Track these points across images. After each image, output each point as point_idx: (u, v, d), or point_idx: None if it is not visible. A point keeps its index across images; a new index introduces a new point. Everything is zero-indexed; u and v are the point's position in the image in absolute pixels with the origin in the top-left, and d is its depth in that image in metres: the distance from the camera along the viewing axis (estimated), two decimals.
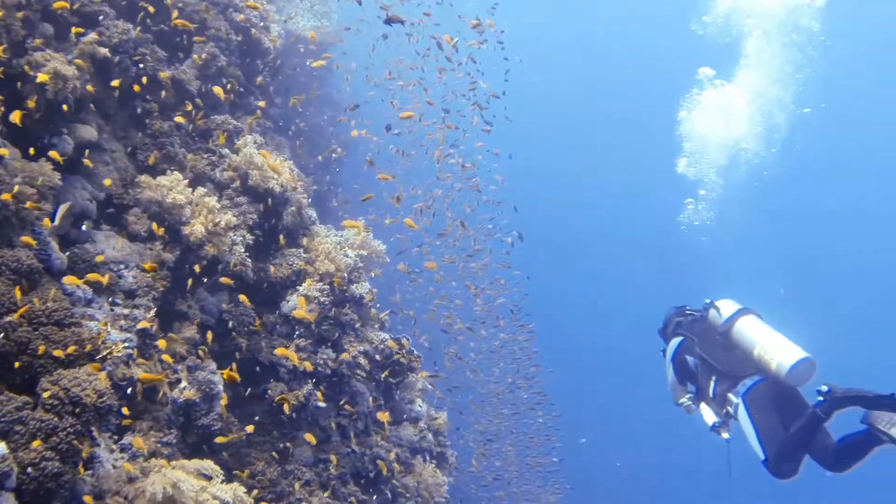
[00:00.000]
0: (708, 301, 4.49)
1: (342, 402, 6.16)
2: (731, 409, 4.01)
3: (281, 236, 5.91)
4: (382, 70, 8.86)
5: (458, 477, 9.17)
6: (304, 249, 6.05)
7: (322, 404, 5.74)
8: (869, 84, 26.67)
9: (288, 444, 5.65)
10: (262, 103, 7.14)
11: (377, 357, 6.54)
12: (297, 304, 5.73)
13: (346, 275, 6.15)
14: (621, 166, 30.78)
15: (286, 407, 5.36)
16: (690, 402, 4.53)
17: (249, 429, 5.20)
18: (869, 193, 28.64)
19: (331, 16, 14.68)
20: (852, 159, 28.19)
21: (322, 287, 5.82)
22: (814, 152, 19.70)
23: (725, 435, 4.14)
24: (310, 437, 5.47)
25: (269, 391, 5.60)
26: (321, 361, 5.77)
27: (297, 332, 5.79)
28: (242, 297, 5.35)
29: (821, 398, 3.48)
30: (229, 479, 4.62)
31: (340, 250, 6.20)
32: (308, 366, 5.54)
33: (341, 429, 6.22)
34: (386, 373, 6.82)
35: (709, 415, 4.24)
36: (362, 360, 6.07)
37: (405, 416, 7.56)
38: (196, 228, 5.06)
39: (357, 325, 6.31)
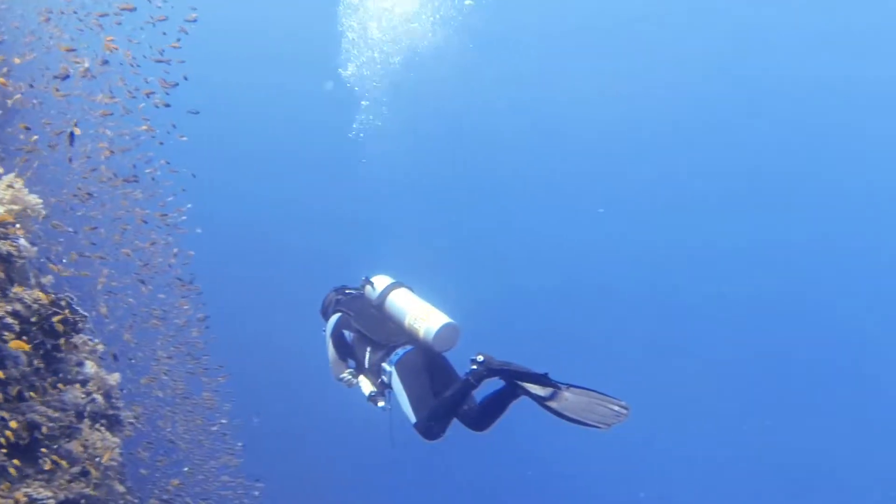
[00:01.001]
0: (364, 278, 4.82)
1: None
2: (385, 378, 4.29)
3: None
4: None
5: (134, 440, 8.99)
6: None
7: None
8: None
9: None
10: None
11: (32, 317, 6.18)
12: None
13: None
14: (296, 78, 29.95)
15: None
16: (351, 377, 4.82)
17: None
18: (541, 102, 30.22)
19: None
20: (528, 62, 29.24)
21: None
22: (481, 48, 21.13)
23: (382, 403, 4.44)
24: None
25: None
26: None
27: None
28: None
29: (474, 367, 3.76)
30: None
31: None
32: None
33: None
34: (44, 333, 6.48)
35: (366, 385, 4.53)
36: (10, 321, 5.70)
37: (71, 378, 7.22)
38: None
39: (6, 285, 5.89)
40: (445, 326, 4.18)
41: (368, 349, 4.51)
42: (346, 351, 4.88)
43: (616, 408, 3.43)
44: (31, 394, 6.35)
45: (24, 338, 6.17)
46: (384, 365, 4.33)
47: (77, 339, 7.50)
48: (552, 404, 3.52)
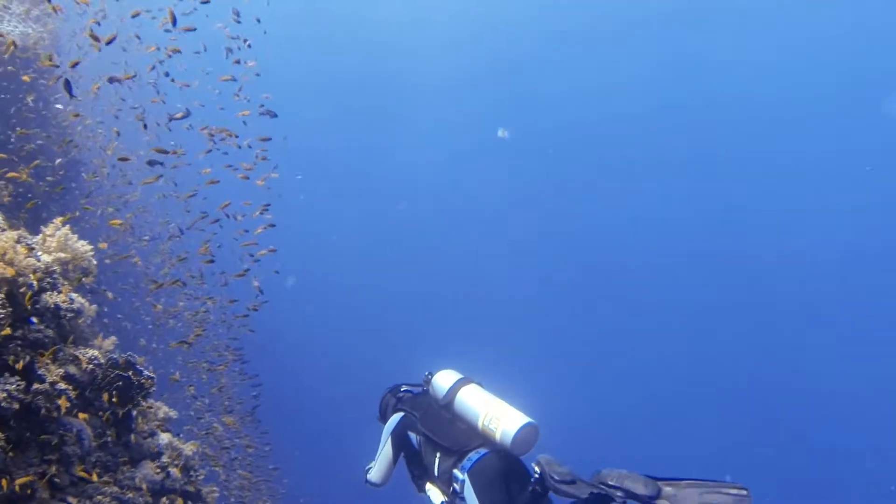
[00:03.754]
0: (427, 374, 4.23)
1: (53, 444, 4.78)
2: (457, 487, 3.70)
3: None
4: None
5: None
6: None
7: None
8: None
9: None
10: None
11: (90, 381, 5.24)
12: None
13: (33, 281, 4.80)
14: None
15: None
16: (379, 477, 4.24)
17: None
18: None
19: (45, 20, 13.64)
20: None
21: None
22: None
23: None
24: None
25: None
26: (3, 395, 4.37)
27: None
28: None
29: (534, 478, 3.29)
30: None
31: (24, 251, 4.83)
32: None
33: (47, 479, 4.82)
34: (110, 401, 5.55)
35: (436, 495, 3.90)
36: (64, 386, 4.74)
37: (143, 453, 6.25)
38: None
39: (56, 344, 4.96)
40: (525, 427, 3.57)
41: (438, 455, 3.90)
42: (411, 455, 4.24)
43: (734, 491, 2.90)
44: (94, 474, 5.37)
45: (88, 407, 5.24)
46: (456, 472, 3.73)
47: (147, 405, 6.55)
48: (661, 503, 2.99)
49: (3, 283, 4.52)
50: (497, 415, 3.65)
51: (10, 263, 4.60)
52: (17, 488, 4.40)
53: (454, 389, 3.94)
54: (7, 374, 4.47)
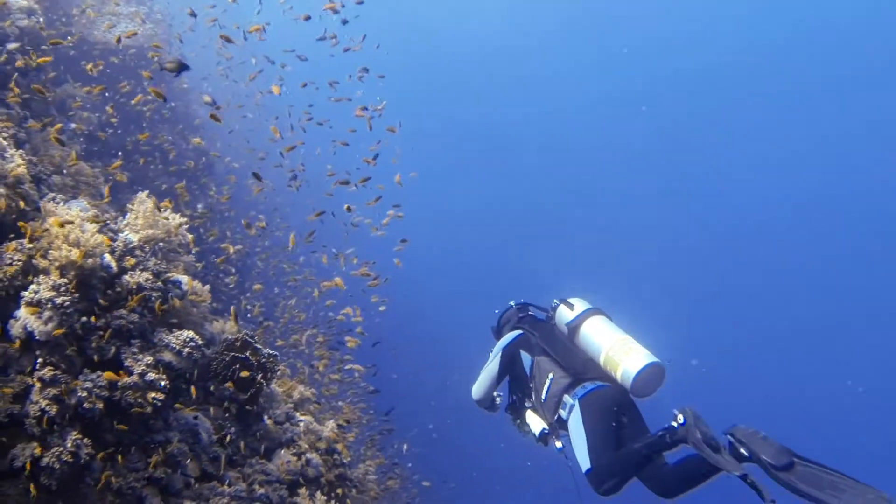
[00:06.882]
0: (557, 301, 4.09)
1: (159, 446, 4.20)
2: (563, 413, 3.62)
3: None
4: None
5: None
6: (30, 238, 4.04)
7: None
8: None
9: None
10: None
11: (192, 367, 4.59)
12: (28, 320, 3.74)
13: (107, 261, 4.17)
14: None
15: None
16: (497, 400, 4.24)
17: None
18: None
19: (155, 17, 14.16)
20: None
21: (60, 284, 3.82)
22: None
23: (558, 444, 3.65)
24: None
25: (14, 458, 3.59)
26: (84, 394, 3.77)
27: (39, 360, 3.79)
28: None
29: (675, 424, 3.06)
30: None
31: (94, 229, 4.20)
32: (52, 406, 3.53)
33: (157, 484, 4.23)
34: (231, 385, 4.95)
35: (536, 423, 3.80)
36: (154, 376, 4.08)
37: (276, 440, 5.64)
38: None
39: (144, 330, 4.33)
40: (649, 367, 3.38)
41: (551, 376, 3.74)
42: (514, 374, 4.09)
43: (872, 496, 2.51)
44: (217, 470, 4.76)
45: (208, 397, 4.62)
46: (566, 397, 3.62)
47: (274, 387, 5.94)
48: (785, 475, 2.71)
49: (69, 268, 3.91)
50: (621, 350, 3.48)
51: (76, 244, 3.97)
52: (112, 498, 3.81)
53: (581, 318, 3.79)
54: (87, 370, 3.88)
